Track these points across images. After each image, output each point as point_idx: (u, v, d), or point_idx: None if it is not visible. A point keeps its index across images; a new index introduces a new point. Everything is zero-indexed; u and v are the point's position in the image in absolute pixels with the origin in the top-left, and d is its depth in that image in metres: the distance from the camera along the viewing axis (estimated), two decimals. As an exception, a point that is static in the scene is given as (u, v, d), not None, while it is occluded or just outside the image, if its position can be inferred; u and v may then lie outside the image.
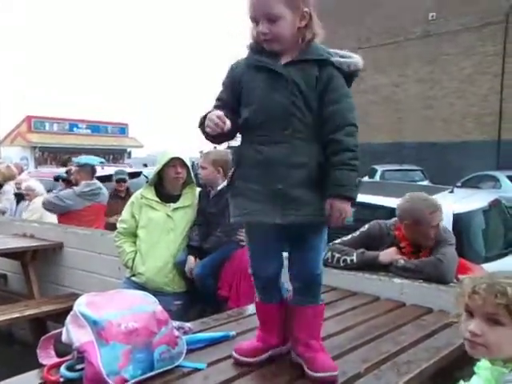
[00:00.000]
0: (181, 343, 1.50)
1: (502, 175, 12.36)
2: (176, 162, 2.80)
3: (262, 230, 1.41)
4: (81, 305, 1.39)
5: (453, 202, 4.11)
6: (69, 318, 1.39)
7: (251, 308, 2.17)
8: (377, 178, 12.80)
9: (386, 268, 2.36)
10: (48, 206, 4.47)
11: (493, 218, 4.34)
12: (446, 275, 2.20)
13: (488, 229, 4.19)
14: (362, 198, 4.56)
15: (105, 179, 6.46)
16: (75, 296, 1.52)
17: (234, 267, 2.78)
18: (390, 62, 16.50)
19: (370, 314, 1.94)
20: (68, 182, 4.89)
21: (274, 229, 1.38)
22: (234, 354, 1.52)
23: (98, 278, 3.47)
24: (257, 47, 1.41)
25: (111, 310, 1.39)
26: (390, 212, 2.96)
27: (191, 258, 2.76)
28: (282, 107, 1.36)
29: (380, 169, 13.34)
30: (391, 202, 3.37)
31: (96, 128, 28.82)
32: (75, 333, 1.33)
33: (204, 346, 1.64)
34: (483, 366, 1.11)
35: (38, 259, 3.85)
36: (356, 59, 1.40)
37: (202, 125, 1.40)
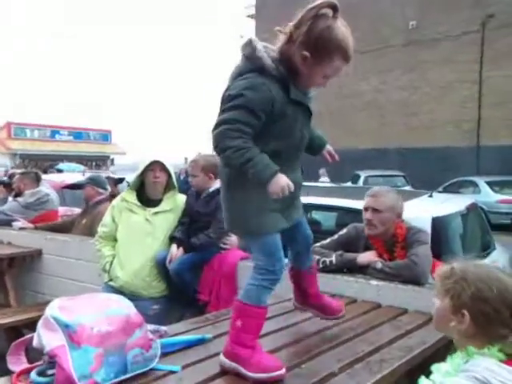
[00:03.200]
0: (155, 346, 1.49)
1: (481, 181, 12.62)
2: (155, 165, 2.81)
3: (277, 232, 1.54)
4: (53, 308, 1.37)
5: (432, 206, 4.18)
6: (40, 322, 1.37)
7: (229, 311, 2.17)
8: (360, 183, 12.94)
9: (364, 270, 2.40)
10: None
11: (470, 221, 4.42)
12: (421, 277, 2.24)
13: (466, 232, 4.27)
14: (344, 202, 4.62)
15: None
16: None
17: (215, 271, 2.78)
18: (371, 68, 16.74)
19: (346, 315, 1.95)
20: (9, 188, 4.61)
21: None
22: (260, 375, 1.38)
23: (78, 285, 3.43)
24: (291, 78, 1.42)
25: (84, 314, 1.38)
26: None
27: (174, 247, 2.74)
28: (306, 140, 1.56)
29: (363, 174, 13.49)
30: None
31: (78, 135, 28.60)
32: (46, 337, 1.31)
33: (179, 348, 1.63)
34: (446, 361, 1.17)
35: (16, 267, 3.78)
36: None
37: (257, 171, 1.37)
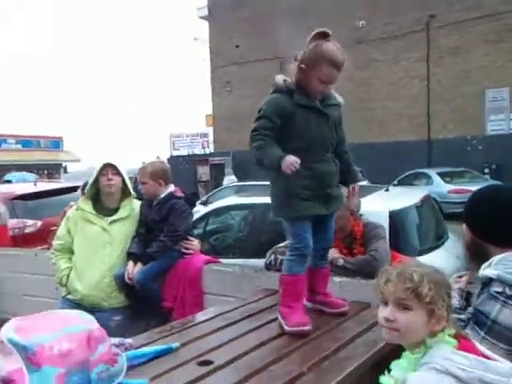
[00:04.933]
0: (121, 360, 1.44)
1: (433, 172, 13.18)
2: (108, 169, 2.70)
3: (310, 219, 1.91)
4: (8, 330, 1.30)
5: (388, 200, 4.31)
6: (-5, 346, 1.30)
7: (195, 318, 2.15)
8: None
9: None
10: None
11: (425, 213, 4.59)
12: (381, 271, 2.30)
13: (421, 224, 4.43)
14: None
15: (38, 196, 6.13)
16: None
17: (178, 277, 2.74)
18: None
19: (311, 313, 1.98)
20: None
21: (316, 216, 1.92)
22: (291, 328, 1.81)
23: (34, 301, 3.28)
24: (296, 89, 1.87)
25: (43, 333, 1.32)
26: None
27: (130, 264, 2.67)
28: (328, 138, 1.94)
29: (322, 171, 13.72)
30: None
31: (27, 143, 27.38)
32: (1, 362, 1.24)
33: (147, 360, 1.59)
34: (402, 357, 1.20)
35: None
36: (341, 99, 2.02)
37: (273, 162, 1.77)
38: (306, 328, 1.80)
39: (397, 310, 1.18)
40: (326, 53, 1.83)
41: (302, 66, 1.86)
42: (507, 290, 1.33)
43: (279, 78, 1.93)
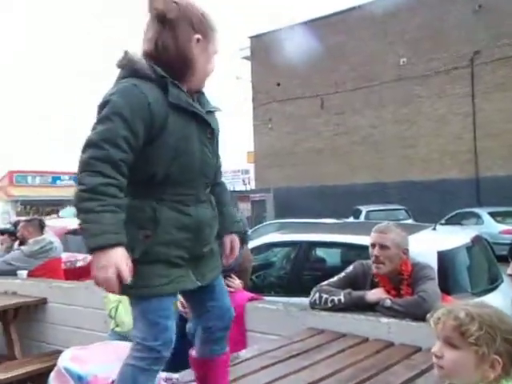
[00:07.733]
0: (169, 395, 1.47)
1: (483, 212, 12.62)
2: None
3: (175, 295, 1.22)
4: (65, 360, 1.37)
5: (436, 240, 4.17)
6: (52, 374, 1.36)
7: (239, 355, 2.14)
8: (362, 218, 12.93)
9: (373, 307, 2.38)
10: None
11: (476, 254, 4.38)
12: (432, 313, 2.22)
13: (472, 265, 4.23)
14: (347, 238, 4.59)
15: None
16: (59, 353, 1.46)
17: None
18: (366, 104, 17.14)
19: (359, 355, 1.93)
20: (13, 236, 4.59)
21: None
22: None
23: (83, 333, 3.37)
24: (170, 78, 1.13)
25: (98, 364, 1.37)
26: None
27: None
28: (211, 164, 1.23)
29: (364, 209, 13.50)
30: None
31: (80, 179, 28.87)
32: (60, 390, 1.30)
33: (191, 397, 1.60)
34: None
35: (21, 317, 3.72)
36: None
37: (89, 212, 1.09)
38: None
39: (445, 347, 1.15)
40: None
41: (176, 28, 1.14)
42: None
43: (136, 54, 1.16)
